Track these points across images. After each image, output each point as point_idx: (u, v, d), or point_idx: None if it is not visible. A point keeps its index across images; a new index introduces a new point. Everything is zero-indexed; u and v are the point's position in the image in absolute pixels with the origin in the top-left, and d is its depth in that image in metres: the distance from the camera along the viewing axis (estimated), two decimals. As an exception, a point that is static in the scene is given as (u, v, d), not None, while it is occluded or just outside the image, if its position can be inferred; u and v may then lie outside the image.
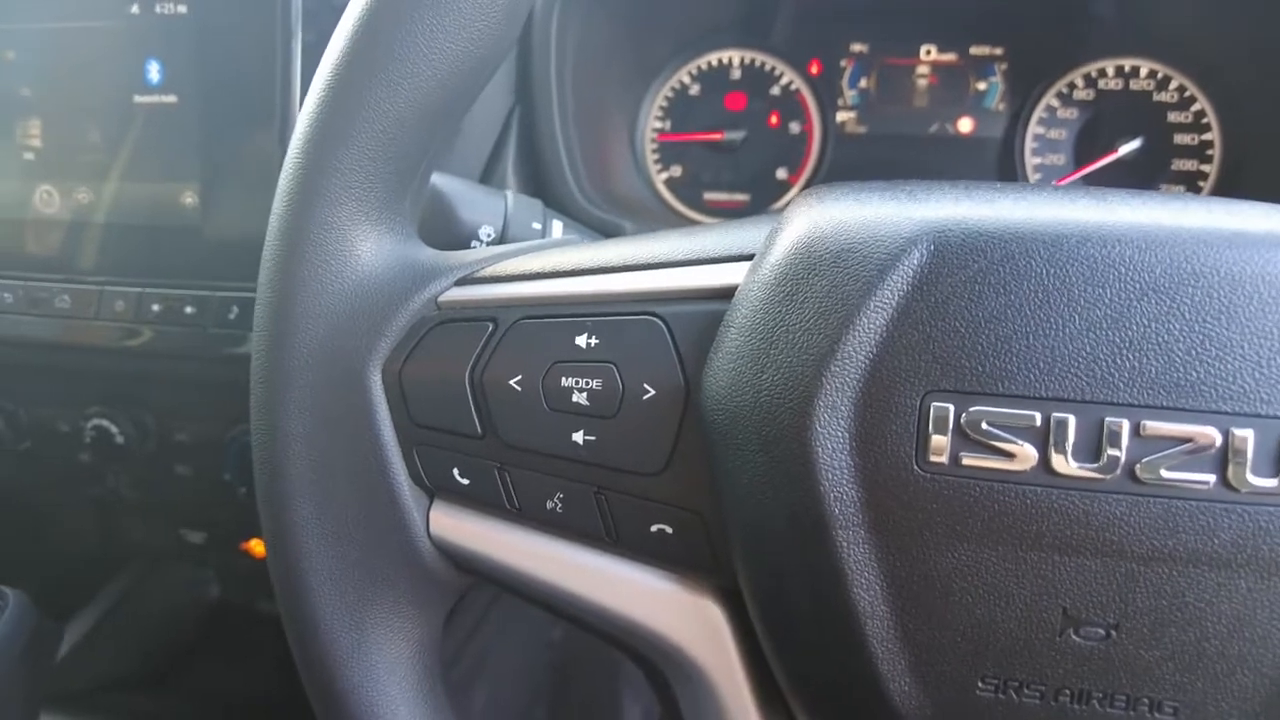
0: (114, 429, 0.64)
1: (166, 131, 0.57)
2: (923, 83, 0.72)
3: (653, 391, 0.30)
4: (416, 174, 0.34)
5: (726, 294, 0.30)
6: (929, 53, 0.72)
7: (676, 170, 0.73)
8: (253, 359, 0.33)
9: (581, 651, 0.93)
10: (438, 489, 0.33)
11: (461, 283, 0.33)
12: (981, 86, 0.71)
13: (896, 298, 0.26)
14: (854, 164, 0.73)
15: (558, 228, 0.47)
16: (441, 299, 0.33)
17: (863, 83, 0.72)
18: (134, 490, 0.71)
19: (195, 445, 0.65)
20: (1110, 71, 0.68)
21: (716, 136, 0.72)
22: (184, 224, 0.58)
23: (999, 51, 0.70)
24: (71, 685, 0.85)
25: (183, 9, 0.55)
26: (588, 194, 0.60)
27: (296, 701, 0.87)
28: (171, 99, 0.57)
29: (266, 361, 0.33)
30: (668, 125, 0.73)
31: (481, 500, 0.33)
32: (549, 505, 0.32)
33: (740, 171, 0.73)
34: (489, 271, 0.34)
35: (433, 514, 0.33)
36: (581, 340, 0.31)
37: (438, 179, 0.45)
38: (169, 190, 0.58)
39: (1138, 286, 0.25)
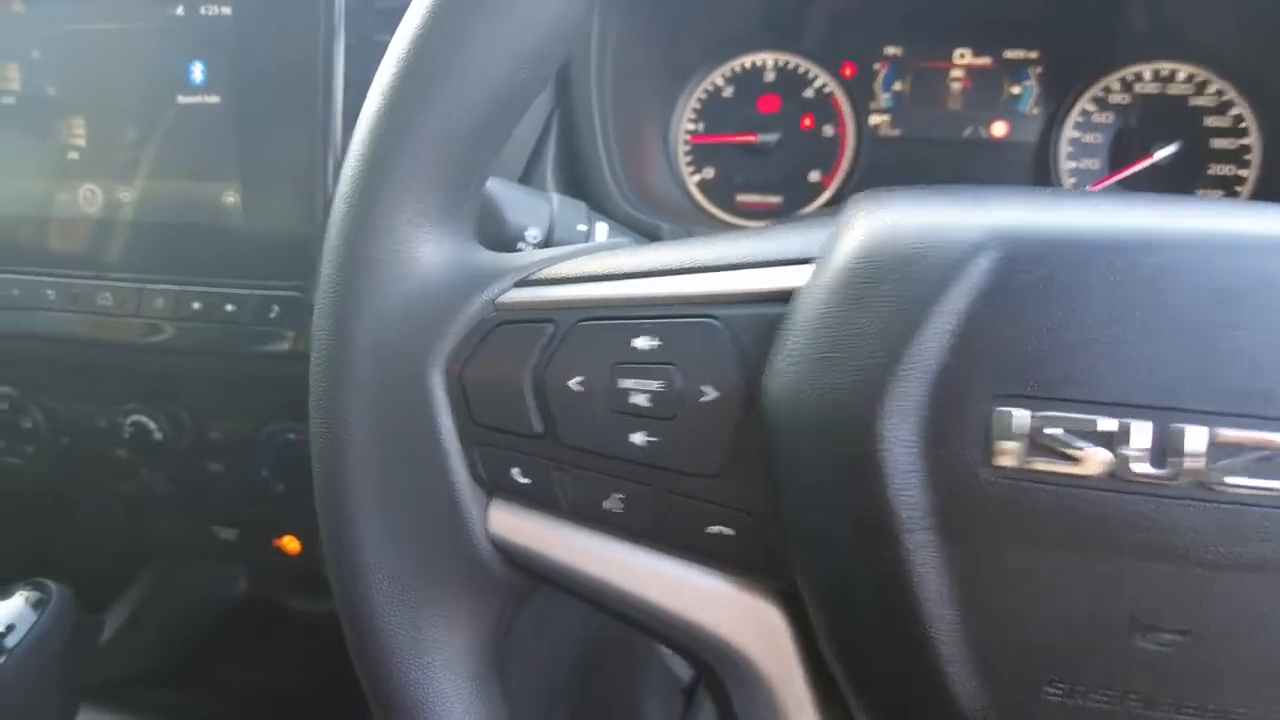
0: (152, 425, 0.65)
1: (208, 131, 0.58)
2: (956, 86, 0.72)
3: (712, 393, 0.30)
4: (476, 176, 0.35)
5: (785, 297, 0.30)
6: (963, 56, 0.71)
7: (709, 172, 0.73)
8: (313, 360, 0.33)
9: (607, 655, 0.93)
10: (497, 488, 0.33)
11: (520, 285, 0.34)
12: (1016, 90, 0.71)
13: (965, 302, 0.26)
14: (887, 167, 0.73)
15: (602, 230, 0.47)
16: (501, 301, 0.33)
17: (896, 86, 0.72)
18: (167, 486, 0.71)
19: (230, 443, 0.66)
20: (1147, 75, 0.67)
21: (750, 139, 0.72)
22: (225, 223, 0.58)
23: (1034, 55, 0.70)
24: (98, 680, 0.86)
25: (226, 10, 0.56)
26: (627, 196, 0.61)
27: (322, 697, 0.88)
28: (214, 99, 0.57)
29: (327, 362, 0.33)
30: (701, 127, 0.73)
31: (540, 500, 0.33)
32: (606, 505, 0.32)
33: (773, 174, 0.73)
34: (547, 274, 0.34)
35: (491, 513, 0.34)
36: (641, 342, 0.31)
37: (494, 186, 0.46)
38: (210, 189, 0.58)
39: (1207, 292, 0.25)
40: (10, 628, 0.56)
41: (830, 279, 0.28)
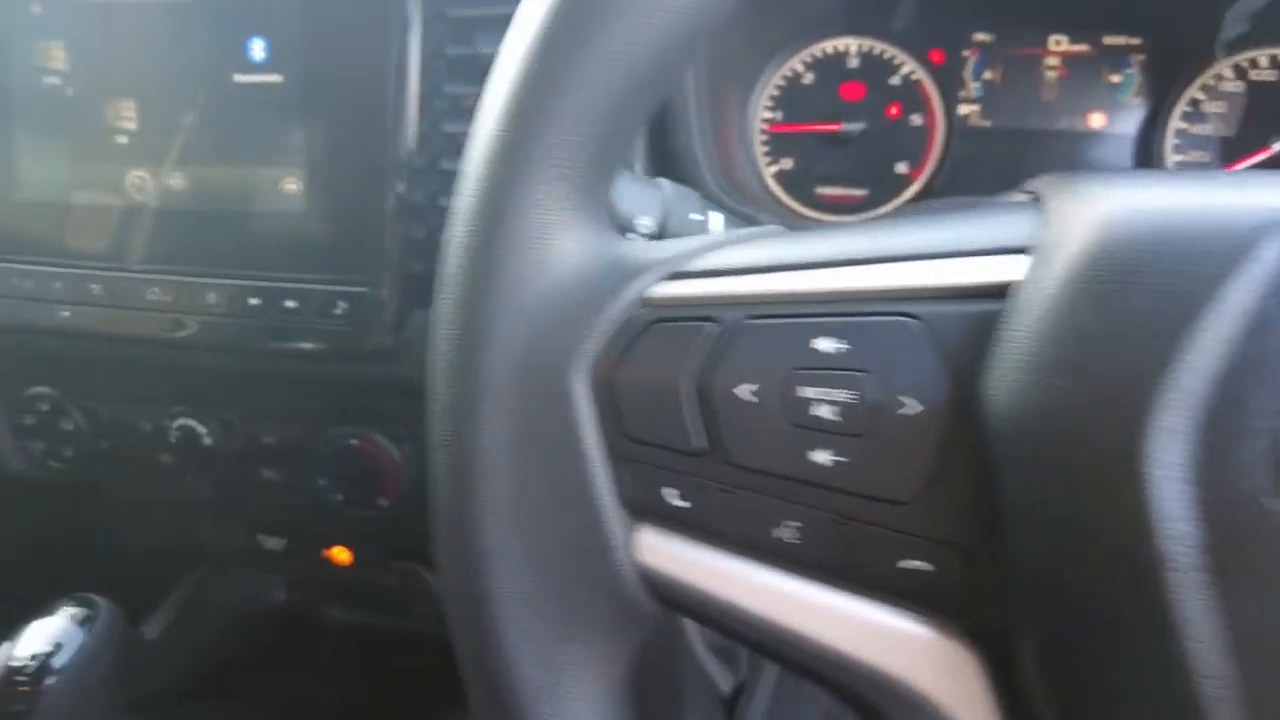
0: (201, 429, 0.61)
1: (269, 113, 0.54)
2: (1051, 75, 0.68)
3: (914, 406, 0.26)
4: (615, 158, 0.30)
5: (999, 292, 0.26)
6: (1059, 43, 0.67)
7: (787, 163, 0.69)
8: (437, 361, 0.29)
9: (646, 664, 0.89)
10: (646, 511, 0.29)
11: (672, 277, 0.29)
12: (1115, 79, 0.67)
13: (1248, 299, 0.21)
14: (976, 158, 0.68)
15: (716, 219, 0.43)
16: (651, 296, 0.29)
17: (987, 74, 0.68)
18: (213, 493, 0.67)
19: (284, 448, 0.62)
20: (1264, 62, 0.63)
21: (834, 128, 0.68)
22: (286, 212, 0.54)
23: (1136, 42, 0.66)
24: (133, 694, 0.82)
25: (293, -17, 0.52)
26: (721, 185, 0.56)
27: (359, 711, 0.84)
28: (275, 78, 0.53)
29: (456, 365, 0.29)
30: (779, 116, 0.69)
31: (697, 525, 0.29)
32: (776, 533, 0.28)
33: (857, 164, 0.68)
34: (701, 265, 0.30)
35: (638, 539, 0.29)
36: (824, 344, 0.27)
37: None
38: (270, 175, 0.54)
39: None
40: (58, 646, 0.53)
41: (1065, 271, 0.24)
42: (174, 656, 0.82)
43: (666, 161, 0.55)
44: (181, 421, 0.61)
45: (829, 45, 0.69)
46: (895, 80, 0.68)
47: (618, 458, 0.29)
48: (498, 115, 0.28)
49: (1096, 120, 0.67)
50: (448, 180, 0.54)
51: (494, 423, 0.28)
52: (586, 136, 0.29)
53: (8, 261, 0.61)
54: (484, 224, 0.28)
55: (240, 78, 0.54)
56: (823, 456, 0.27)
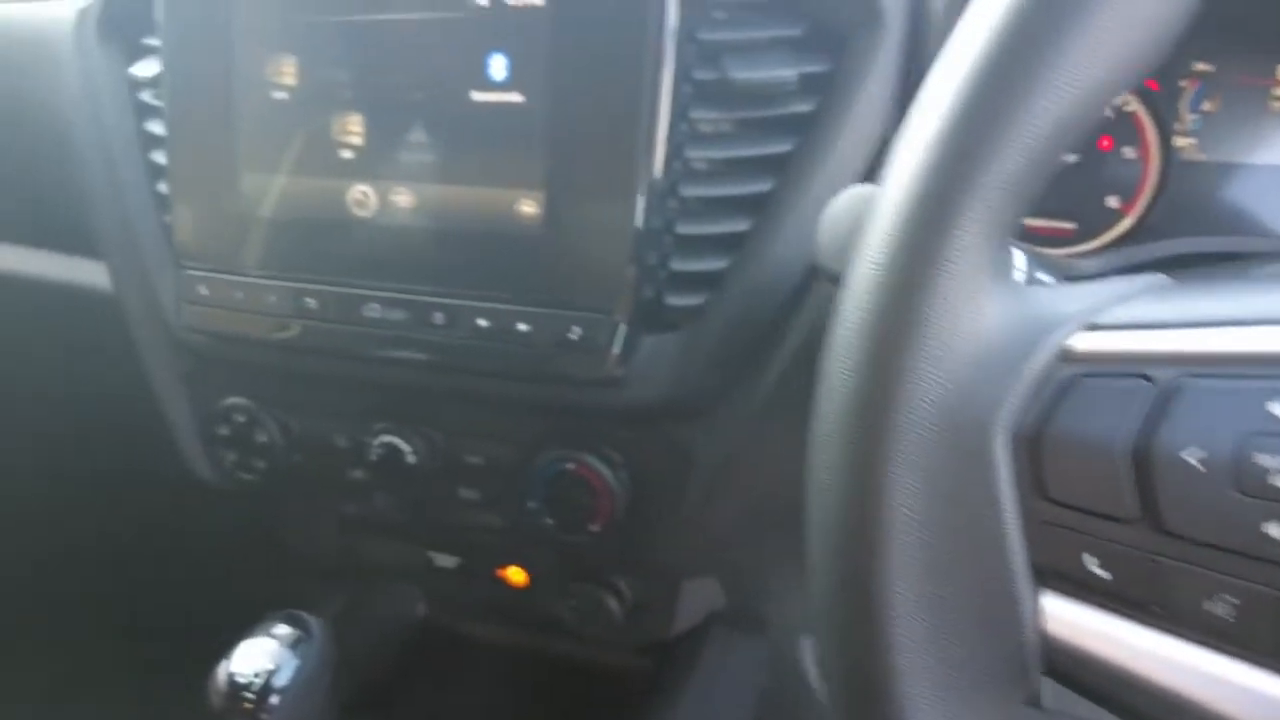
0: (406, 448, 0.60)
1: (508, 133, 0.53)
2: (1277, 105, 0.65)
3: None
4: (1031, 201, 0.29)
5: None
6: (1284, 73, 0.64)
7: (992, 193, 0.67)
8: (838, 410, 0.28)
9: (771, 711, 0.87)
10: (1058, 577, 0.28)
11: (1092, 329, 0.28)
12: (1345, 113, 0.64)
13: None
14: (1191, 194, 0.66)
15: (1018, 256, 0.41)
16: (1073, 349, 0.28)
17: (1205, 105, 0.66)
18: (402, 511, 0.67)
19: (489, 468, 0.61)
20: None
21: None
22: (521, 234, 0.53)
23: (1371, 74, 0.63)
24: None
25: (539, 0, 0.51)
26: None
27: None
28: (517, 98, 0.52)
29: (864, 416, 0.27)
30: (985, 144, 0.67)
31: (1115, 595, 0.27)
32: (1208, 607, 0.26)
33: (1066, 197, 0.66)
34: (1121, 316, 0.28)
35: (1046, 608, 0.28)
36: (1281, 409, 0.25)
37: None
38: (505, 197, 0.54)
39: None
40: (278, 665, 0.52)
41: None
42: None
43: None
44: (384, 439, 0.61)
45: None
46: (1108, 111, 0.66)
47: (1035, 520, 0.27)
48: (923, 167, 0.27)
49: (1322, 156, 0.64)
50: (687, 207, 0.53)
51: (905, 480, 0.27)
52: (1012, 184, 0.27)
53: (223, 273, 0.61)
54: (905, 272, 0.27)
55: (478, 96, 0.53)
56: (1277, 529, 0.25)
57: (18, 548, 1.11)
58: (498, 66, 0.53)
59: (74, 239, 0.75)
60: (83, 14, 0.70)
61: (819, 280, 0.52)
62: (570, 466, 0.57)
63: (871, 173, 0.53)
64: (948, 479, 0.27)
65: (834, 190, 0.52)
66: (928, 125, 0.28)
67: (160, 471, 0.78)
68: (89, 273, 0.75)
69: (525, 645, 0.87)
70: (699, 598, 0.71)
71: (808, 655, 0.97)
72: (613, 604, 0.67)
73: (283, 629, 0.55)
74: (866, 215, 0.39)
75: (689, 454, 0.56)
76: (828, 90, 0.52)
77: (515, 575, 0.72)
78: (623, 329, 0.52)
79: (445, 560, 0.73)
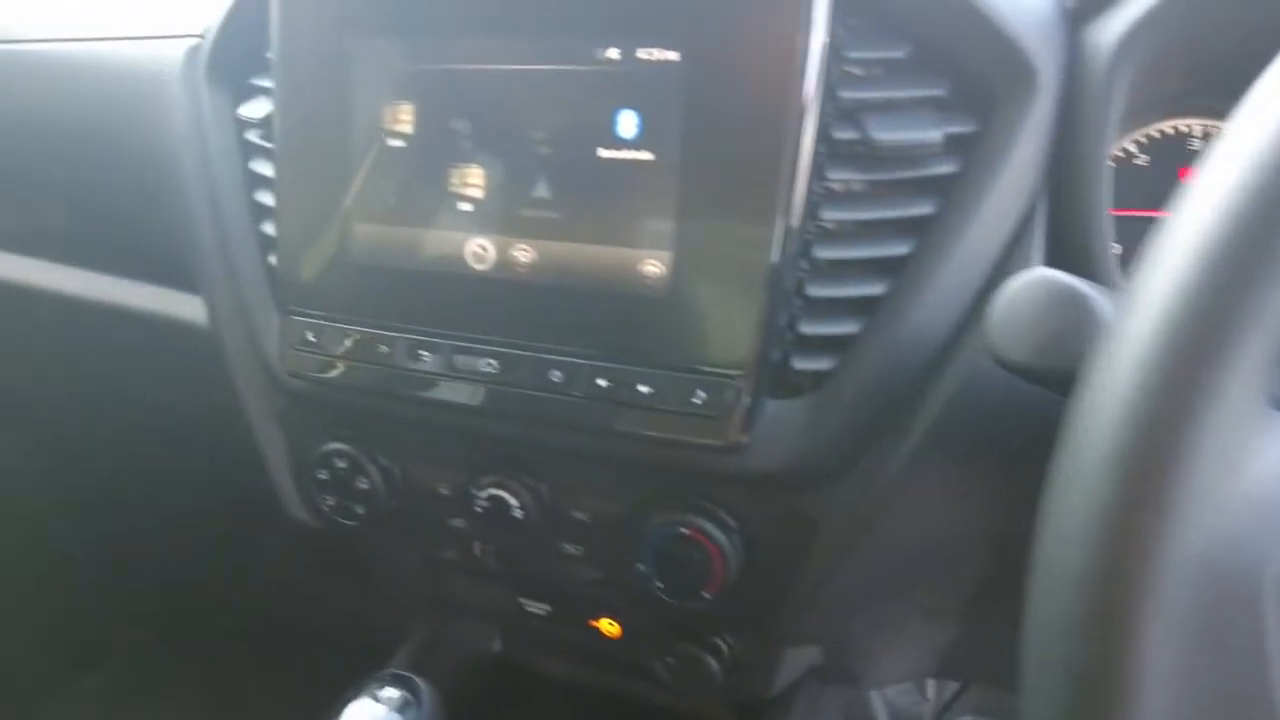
0: (513, 502, 0.59)
1: (635, 191, 0.52)
2: None
3: None
4: None
5: None
6: None
7: (1116, 248, 0.64)
8: (1081, 543, 0.26)
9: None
10: None
11: None
12: None
13: None
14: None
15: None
16: None
17: None
18: (501, 561, 0.65)
19: (595, 525, 0.60)
20: None
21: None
22: (645, 294, 0.52)
23: None
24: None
25: (673, 56, 0.50)
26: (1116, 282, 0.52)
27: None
28: (646, 155, 0.51)
29: (1115, 555, 0.25)
30: (1108, 199, 0.64)
31: None
32: None
33: (1197, 255, 0.63)
34: None
35: None
36: None
37: (1068, 280, 0.38)
38: (630, 256, 0.52)
39: None
40: (390, 730, 0.51)
41: None
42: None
43: (1066, 257, 0.51)
44: (490, 491, 0.60)
45: (1168, 125, 0.64)
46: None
47: None
48: (1207, 274, 0.25)
49: None
50: (819, 268, 0.51)
51: (1161, 629, 0.25)
52: None
53: (331, 321, 0.60)
54: (1172, 402, 0.25)
55: (605, 153, 0.52)
56: None
57: (110, 570, 1.13)
58: (627, 123, 0.51)
59: (173, 274, 0.75)
60: (192, 53, 0.70)
61: (962, 350, 0.50)
62: (684, 531, 0.55)
63: (1019, 239, 0.50)
64: (1209, 630, 0.25)
65: (978, 256, 0.51)
66: (1204, 230, 0.26)
67: (252, 508, 0.78)
68: (187, 307, 0.75)
69: (602, 685, 0.86)
70: (799, 656, 0.69)
71: (879, 707, 0.95)
72: (713, 664, 0.65)
73: (391, 692, 0.54)
74: (1073, 314, 0.37)
75: (812, 522, 0.55)
76: (973, 151, 0.50)
77: (608, 627, 0.71)
78: (748, 394, 0.51)
79: (536, 607, 0.72)
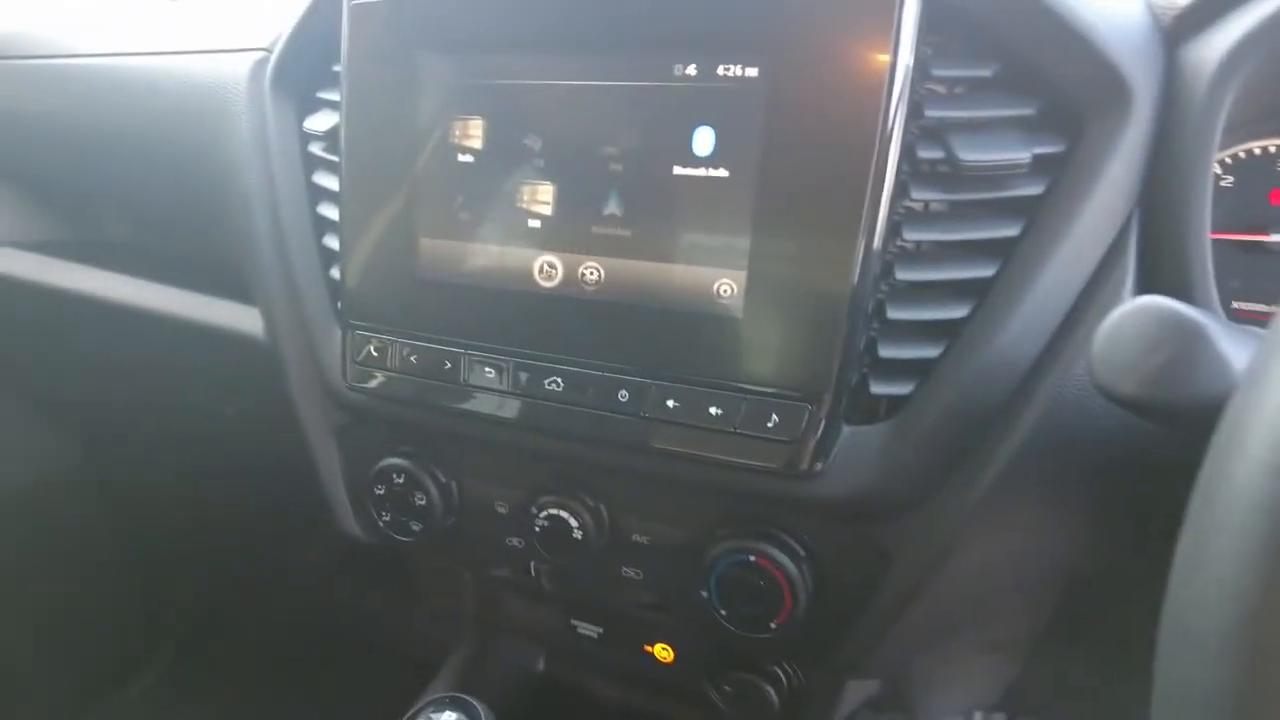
0: (573, 522, 0.58)
1: (709, 209, 0.51)
2: None
3: None
4: None
5: None
6: None
7: (1204, 273, 0.62)
8: (1244, 601, 0.24)
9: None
10: None
11: None
12: None
13: None
14: None
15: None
16: None
17: None
18: (556, 582, 0.64)
19: (656, 550, 0.58)
20: None
21: (1261, 237, 0.60)
22: (718, 314, 0.51)
23: None
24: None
25: (753, 72, 0.49)
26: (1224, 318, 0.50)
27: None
28: (721, 173, 0.50)
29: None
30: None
31: None
32: None
33: (1284, 280, 0.61)
34: None
35: None
36: None
37: (1180, 308, 0.36)
38: (703, 276, 0.51)
39: None
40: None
41: None
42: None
43: (1161, 281, 0.49)
44: (550, 512, 0.59)
45: (1256, 145, 0.62)
46: None
47: None
48: None
49: None
50: (899, 290, 0.50)
51: None
52: None
53: (395, 336, 0.60)
54: None
55: (680, 170, 0.51)
56: None
57: (152, 583, 1.13)
58: (703, 140, 0.50)
59: (232, 286, 0.75)
60: (258, 66, 0.70)
61: (1048, 376, 0.48)
62: (751, 559, 0.54)
63: (1110, 262, 0.48)
64: None
65: (1067, 279, 0.49)
66: None
67: (299, 521, 0.77)
68: (245, 319, 0.75)
69: (652, 710, 0.84)
70: (859, 687, 0.67)
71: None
72: (771, 694, 0.63)
73: (450, 716, 0.52)
74: (1187, 345, 0.35)
75: (886, 553, 0.53)
76: (1061, 172, 0.48)
77: (662, 653, 0.69)
78: (823, 419, 0.49)
79: (589, 629, 0.71)
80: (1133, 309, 0.36)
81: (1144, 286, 0.48)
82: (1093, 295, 0.48)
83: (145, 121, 0.79)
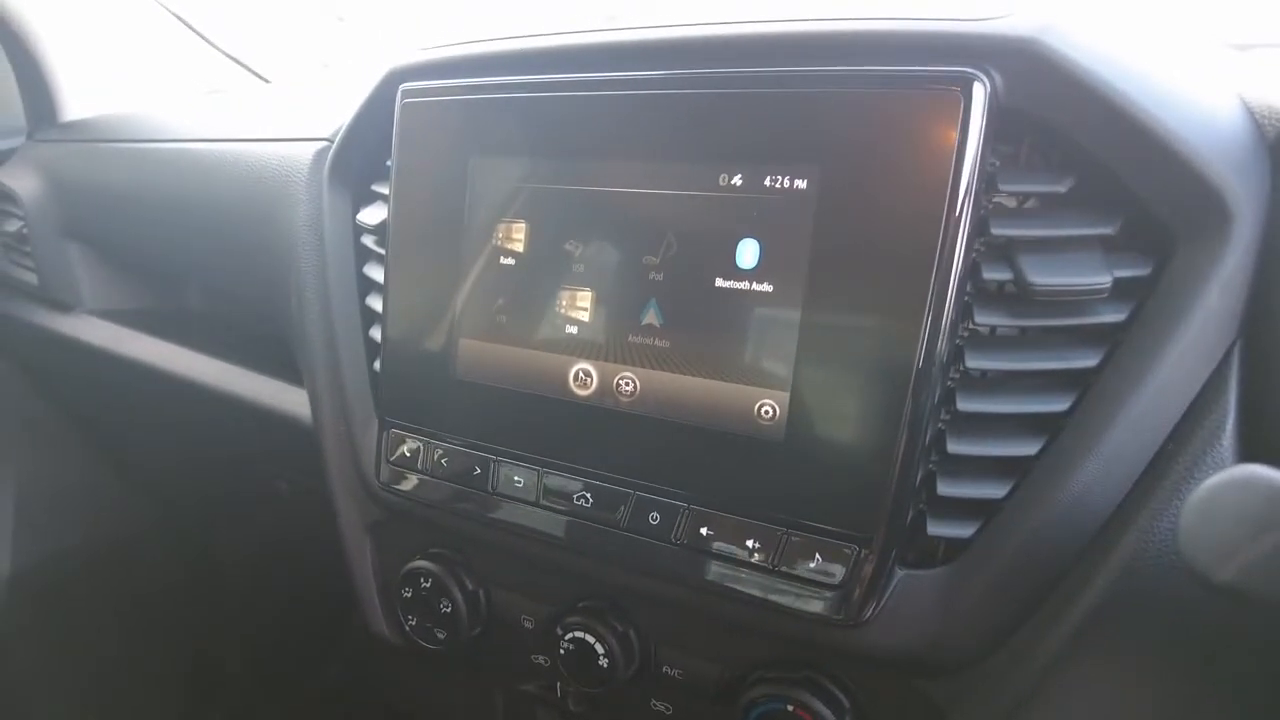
0: (598, 649, 0.54)
1: (751, 324, 0.47)
2: None
3: None
4: None
5: None
6: None
7: None
8: None
9: None
10: None
11: None
12: None
13: None
14: None
15: None
16: None
17: None
18: (583, 705, 0.60)
19: (688, 685, 0.54)
20: None
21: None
22: (757, 437, 0.47)
23: None
24: None
25: (801, 184, 0.45)
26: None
27: None
28: (765, 288, 0.47)
29: None
30: None
31: None
32: None
33: None
34: None
35: None
36: None
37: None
38: (743, 394, 0.47)
39: None
40: None
41: None
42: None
43: (1267, 428, 0.43)
44: (576, 634, 0.55)
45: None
46: None
47: None
48: None
49: None
50: (961, 422, 0.45)
51: None
52: None
53: (428, 436, 0.58)
54: None
55: (722, 282, 0.48)
56: None
57: (196, 661, 1.13)
58: (748, 253, 0.47)
59: (285, 366, 0.76)
60: (319, 155, 0.71)
61: (1131, 528, 0.42)
62: (789, 708, 0.48)
63: (1206, 403, 0.42)
64: None
65: (1154, 419, 0.43)
66: None
67: (335, 614, 0.75)
68: (295, 402, 0.75)
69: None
70: None
71: None
72: None
73: None
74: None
75: (940, 712, 0.47)
76: (1147, 298, 0.43)
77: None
78: (874, 561, 0.44)
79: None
80: (1232, 480, 0.31)
81: (1247, 431, 0.42)
82: (1185, 439, 0.42)
83: (219, 201, 0.81)
